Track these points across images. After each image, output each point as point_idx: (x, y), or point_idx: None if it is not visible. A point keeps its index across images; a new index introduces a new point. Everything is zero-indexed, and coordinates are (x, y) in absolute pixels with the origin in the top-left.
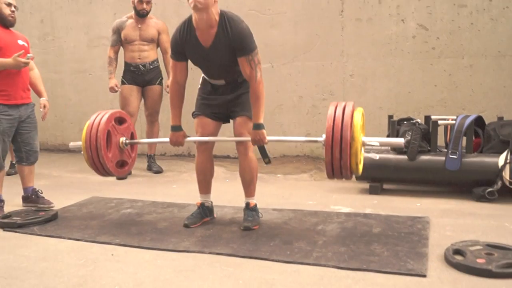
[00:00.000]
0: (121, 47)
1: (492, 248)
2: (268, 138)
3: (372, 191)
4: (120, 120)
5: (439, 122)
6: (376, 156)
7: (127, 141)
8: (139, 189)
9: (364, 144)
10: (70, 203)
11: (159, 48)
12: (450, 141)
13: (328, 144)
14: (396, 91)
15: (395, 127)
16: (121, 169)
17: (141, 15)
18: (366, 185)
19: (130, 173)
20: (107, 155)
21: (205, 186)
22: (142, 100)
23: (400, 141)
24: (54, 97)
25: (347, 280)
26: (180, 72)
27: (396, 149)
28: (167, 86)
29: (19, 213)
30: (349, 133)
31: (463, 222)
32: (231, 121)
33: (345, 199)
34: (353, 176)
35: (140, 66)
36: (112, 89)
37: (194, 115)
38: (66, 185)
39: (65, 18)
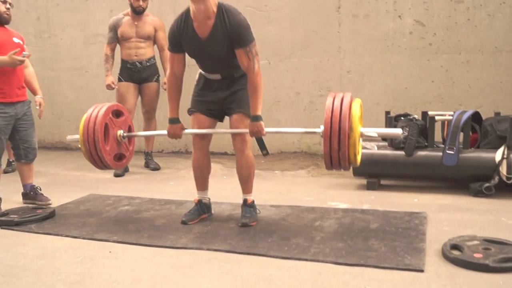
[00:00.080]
0: (118, 45)
1: (489, 243)
2: (266, 129)
3: (369, 186)
4: (117, 113)
5: (436, 117)
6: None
7: (125, 134)
8: (136, 186)
9: (362, 135)
10: (67, 200)
11: (155, 45)
12: (447, 136)
13: (326, 135)
14: (393, 87)
15: (392, 123)
16: (119, 162)
17: (137, 12)
18: (363, 181)
19: (127, 170)
20: (105, 148)
21: (202, 182)
22: (139, 98)
23: (398, 131)
24: (51, 94)
25: (345, 275)
26: (178, 64)
27: (394, 145)
28: (164, 83)
29: (17, 211)
30: (347, 123)
31: (460, 217)
32: (228, 118)
33: (343, 195)
34: (351, 170)
35: (137, 63)
36: (109, 87)
37: (189, 112)
38: (64, 182)
39: (61, 15)
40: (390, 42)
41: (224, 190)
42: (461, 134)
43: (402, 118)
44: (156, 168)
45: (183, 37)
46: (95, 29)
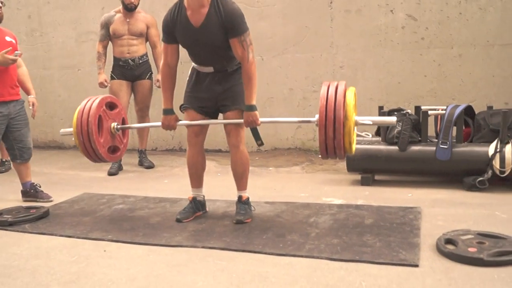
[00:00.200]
0: (110, 42)
1: (484, 237)
2: (260, 119)
3: (363, 182)
4: (111, 106)
5: (429, 112)
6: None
7: (119, 126)
8: (130, 185)
9: (357, 123)
10: (61, 200)
11: (148, 43)
12: (441, 131)
13: (321, 123)
14: (386, 82)
15: None
16: (113, 155)
17: (129, 9)
18: (357, 177)
19: (121, 169)
20: (98, 140)
21: (196, 180)
22: (132, 96)
23: (393, 119)
24: (43, 93)
25: (340, 271)
26: (171, 54)
27: (387, 140)
28: (157, 81)
29: (10, 211)
30: (342, 112)
31: (454, 212)
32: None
33: (337, 191)
34: (345, 166)
35: (129, 60)
36: (102, 85)
37: (182, 108)
38: (57, 182)
39: (52, 13)
40: (383, 37)
41: (218, 187)
42: (454, 128)
43: (396, 113)
44: (150, 166)
45: (176, 26)
46: (87, 27)
